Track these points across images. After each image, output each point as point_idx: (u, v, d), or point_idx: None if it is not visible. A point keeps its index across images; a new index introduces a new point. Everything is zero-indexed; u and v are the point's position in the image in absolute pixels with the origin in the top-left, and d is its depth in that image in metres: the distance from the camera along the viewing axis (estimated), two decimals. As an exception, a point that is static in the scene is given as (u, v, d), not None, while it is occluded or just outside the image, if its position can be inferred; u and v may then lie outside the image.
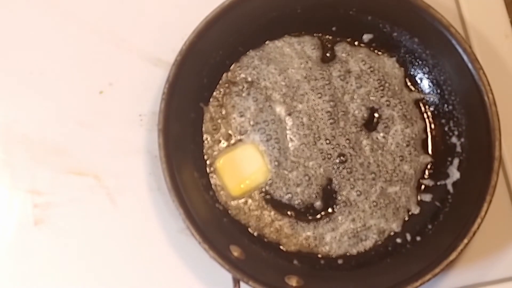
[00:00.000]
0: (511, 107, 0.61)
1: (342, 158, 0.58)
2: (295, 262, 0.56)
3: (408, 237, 0.57)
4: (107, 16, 0.63)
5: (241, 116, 0.59)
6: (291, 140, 0.59)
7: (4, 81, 0.61)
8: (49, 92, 0.61)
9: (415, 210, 0.58)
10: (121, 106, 0.60)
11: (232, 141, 0.59)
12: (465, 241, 0.52)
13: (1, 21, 0.62)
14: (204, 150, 0.58)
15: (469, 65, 0.55)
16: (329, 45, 0.61)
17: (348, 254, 0.57)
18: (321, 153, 0.58)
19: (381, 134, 0.59)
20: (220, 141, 0.59)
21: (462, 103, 0.57)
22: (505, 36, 0.64)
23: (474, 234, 0.52)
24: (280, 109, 0.59)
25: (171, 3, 0.63)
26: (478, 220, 0.52)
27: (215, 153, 0.58)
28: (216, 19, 0.56)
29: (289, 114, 0.59)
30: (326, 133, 0.59)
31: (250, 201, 0.58)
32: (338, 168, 0.58)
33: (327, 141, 0.58)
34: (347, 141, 0.59)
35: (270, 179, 0.58)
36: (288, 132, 0.59)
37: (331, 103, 0.59)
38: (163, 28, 0.60)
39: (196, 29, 0.55)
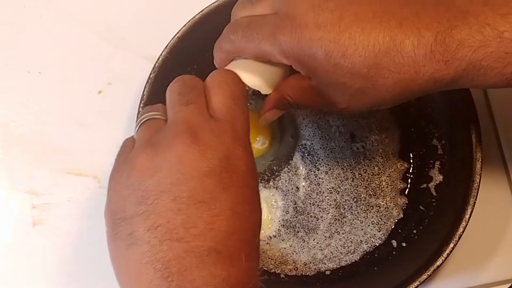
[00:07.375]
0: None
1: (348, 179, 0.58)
2: (282, 276, 0.56)
3: (394, 244, 0.56)
4: (106, 15, 0.62)
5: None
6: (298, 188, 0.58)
7: (2, 80, 0.60)
8: (47, 92, 0.60)
9: (399, 215, 0.58)
10: (120, 105, 0.60)
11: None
12: (451, 245, 0.51)
13: (-1, 20, 0.61)
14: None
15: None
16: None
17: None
18: (328, 188, 0.58)
19: (360, 145, 0.59)
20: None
21: (440, 105, 0.57)
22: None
23: (459, 238, 0.51)
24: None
25: (171, 2, 0.62)
26: (463, 223, 0.52)
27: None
28: (188, 32, 0.55)
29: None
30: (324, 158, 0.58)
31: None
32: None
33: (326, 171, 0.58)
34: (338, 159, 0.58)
35: (275, 229, 0.57)
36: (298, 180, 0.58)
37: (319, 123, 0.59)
38: (163, 27, 0.58)
39: (169, 44, 0.54)
